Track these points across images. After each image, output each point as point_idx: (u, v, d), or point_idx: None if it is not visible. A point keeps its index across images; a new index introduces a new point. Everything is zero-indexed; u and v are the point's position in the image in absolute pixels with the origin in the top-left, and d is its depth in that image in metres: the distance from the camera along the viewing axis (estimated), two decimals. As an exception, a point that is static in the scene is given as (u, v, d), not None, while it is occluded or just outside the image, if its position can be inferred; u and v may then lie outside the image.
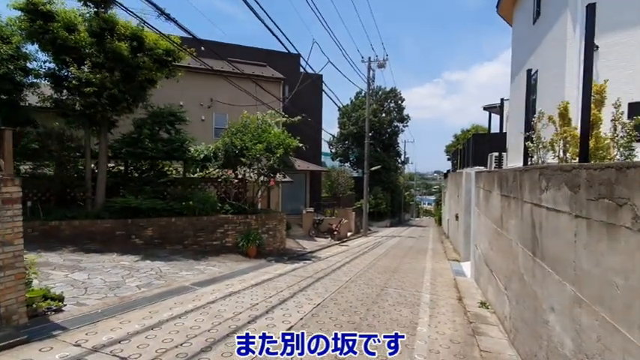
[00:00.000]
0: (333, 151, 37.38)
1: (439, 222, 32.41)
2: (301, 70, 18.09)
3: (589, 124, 2.92)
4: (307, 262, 9.91)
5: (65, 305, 5.04)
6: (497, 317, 5.30)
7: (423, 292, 6.88)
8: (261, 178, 10.35)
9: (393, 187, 37.77)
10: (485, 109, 26.96)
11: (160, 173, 9.83)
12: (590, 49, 2.88)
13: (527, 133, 4.74)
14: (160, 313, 4.88)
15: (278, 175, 10.60)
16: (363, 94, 33.89)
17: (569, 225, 2.54)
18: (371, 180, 24.73)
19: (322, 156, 33.16)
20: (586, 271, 2.28)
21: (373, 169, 21.76)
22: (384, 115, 36.69)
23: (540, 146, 4.41)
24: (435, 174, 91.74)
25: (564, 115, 3.72)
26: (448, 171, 26.76)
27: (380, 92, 37.64)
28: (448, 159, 34.55)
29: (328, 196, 23.53)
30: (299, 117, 11.20)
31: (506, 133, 11.69)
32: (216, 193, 10.40)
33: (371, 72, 21.20)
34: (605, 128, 3.33)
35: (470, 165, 12.83)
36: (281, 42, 9.01)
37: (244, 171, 10.37)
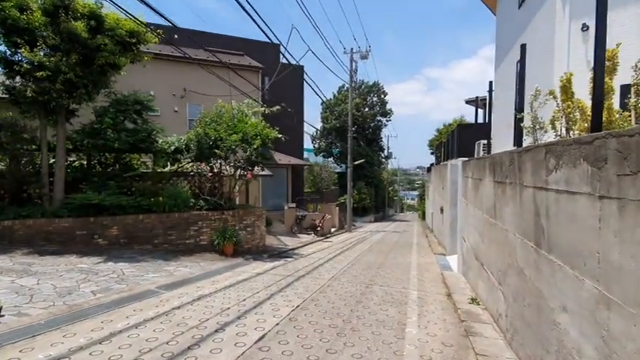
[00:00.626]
0: (316, 146, 36.87)
1: (423, 216, 32.45)
2: (282, 60, 17.44)
3: (602, 90, 2.49)
4: (288, 259, 9.38)
5: (3, 316, 4.36)
6: (489, 314, 4.92)
7: (410, 289, 6.47)
8: (238, 171, 9.72)
9: (377, 181, 37.61)
10: (467, 102, 27.01)
11: (126, 167, 9.04)
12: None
13: (521, 114, 4.33)
14: (113, 322, 4.25)
15: (257, 168, 9.99)
16: (345, 88, 33.47)
17: (590, 209, 2.10)
18: (355, 175, 24.34)
19: (306, 152, 32.59)
20: (617, 265, 1.84)
21: (357, 163, 21.38)
22: (367, 109, 36.42)
23: (537, 127, 4.01)
24: (418, 169, 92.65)
25: (567, 89, 3.32)
26: (431, 165, 26.69)
27: (363, 86, 37.29)
28: (431, 153, 34.59)
29: (311, 192, 23.02)
30: (278, 107, 10.59)
31: (491, 123, 11.42)
32: (189, 188, 9.70)
33: (353, 64, 20.73)
34: (616, 101, 2.93)
35: (455, 157, 12.55)
36: (260, 28, 8.36)
37: (220, 164, 9.71)
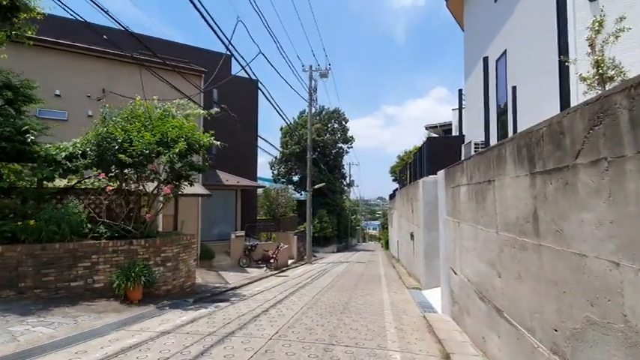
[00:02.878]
0: (275, 172, 34.82)
1: (386, 246, 31.04)
2: (241, 76, 15.67)
3: None
4: (222, 304, 6.95)
5: None
6: (525, 398, 2.96)
7: (389, 349, 4.38)
8: (160, 186, 7.34)
9: (340, 210, 35.96)
10: (427, 128, 26.92)
11: (-12, 179, 6.34)
12: None
13: (572, 60, 2.65)
14: None
15: (185, 183, 7.65)
16: (305, 113, 32.26)
17: None
18: (316, 203, 22.42)
19: (267, 182, 30.33)
20: None
21: (317, 186, 19.50)
22: (328, 135, 35.36)
23: (607, 73, 2.32)
24: (379, 199, 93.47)
25: None
26: (395, 190, 25.55)
27: (323, 112, 36.49)
28: (394, 180, 33.79)
29: (267, 219, 20.63)
30: (217, 109, 8.51)
31: (464, 135, 10.18)
32: (87, 210, 7.10)
33: (313, 82, 19.44)
34: None
35: (425, 174, 11.08)
36: (208, 24, 6.51)
37: (137, 176, 7.26)
